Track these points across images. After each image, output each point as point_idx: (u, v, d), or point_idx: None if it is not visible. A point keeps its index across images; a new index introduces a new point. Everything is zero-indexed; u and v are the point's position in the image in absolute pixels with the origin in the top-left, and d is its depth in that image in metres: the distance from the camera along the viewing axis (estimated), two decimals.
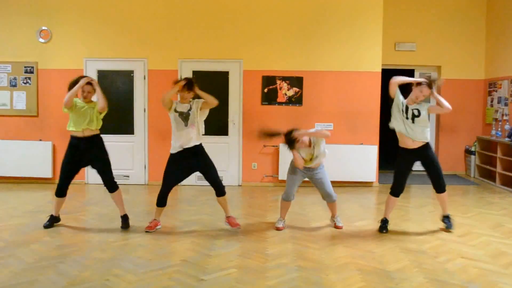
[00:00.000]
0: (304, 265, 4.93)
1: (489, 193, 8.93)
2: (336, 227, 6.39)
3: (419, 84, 6.00)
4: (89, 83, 6.19)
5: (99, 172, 6.27)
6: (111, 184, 6.28)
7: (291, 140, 5.99)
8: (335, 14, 9.28)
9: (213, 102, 6.01)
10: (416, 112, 5.95)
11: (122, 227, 6.24)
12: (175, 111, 6.03)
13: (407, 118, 5.96)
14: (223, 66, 9.36)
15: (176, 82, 6.08)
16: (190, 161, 6.05)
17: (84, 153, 6.14)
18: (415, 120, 5.94)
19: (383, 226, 6.23)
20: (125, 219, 6.31)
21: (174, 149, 6.05)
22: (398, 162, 6.23)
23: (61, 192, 6.22)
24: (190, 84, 6.01)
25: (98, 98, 6.14)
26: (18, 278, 4.49)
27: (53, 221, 6.29)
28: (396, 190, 6.26)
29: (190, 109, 6.02)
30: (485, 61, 10.94)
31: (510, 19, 9.99)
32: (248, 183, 9.43)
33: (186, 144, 5.97)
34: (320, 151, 6.07)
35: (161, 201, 6.11)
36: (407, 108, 5.98)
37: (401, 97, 6.09)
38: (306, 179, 6.36)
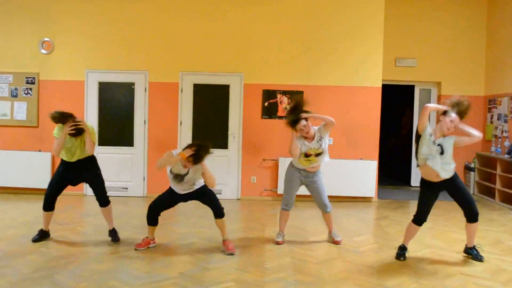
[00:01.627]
0: (302, 280, 4.90)
1: (488, 210, 8.90)
2: (335, 242, 6.32)
3: (446, 111, 5.42)
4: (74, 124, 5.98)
5: (92, 187, 6.22)
6: (103, 199, 6.21)
7: (296, 111, 5.96)
8: (336, 29, 9.32)
9: (213, 184, 5.80)
10: (439, 149, 5.36)
11: (112, 240, 6.16)
12: (171, 171, 5.77)
13: (441, 153, 5.36)
14: (223, 80, 9.38)
15: (184, 148, 5.61)
16: (188, 195, 5.91)
17: (77, 174, 6.11)
18: (443, 157, 5.38)
19: (402, 253, 5.71)
20: (114, 232, 6.24)
21: (174, 188, 5.91)
22: (422, 192, 5.65)
23: (50, 206, 6.14)
24: (198, 157, 5.52)
25: (86, 144, 5.95)
26: None
27: (43, 235, 6.17)
28: (420, 219, 5.69)
29: (187, 174, 5.71)
30: (484, 78, 10.96)
31: (510, 35, 10.03)
32: (247, 197, 9.41)
33: (185, 190, 5.85)
34: (324, 147, 6.02)
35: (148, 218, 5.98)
36: (434, 142, 5.39)
37: (430, 129, 5.44)
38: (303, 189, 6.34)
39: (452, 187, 5.53)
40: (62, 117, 5.92)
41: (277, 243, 6.22)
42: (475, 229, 5.69)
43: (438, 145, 5.36)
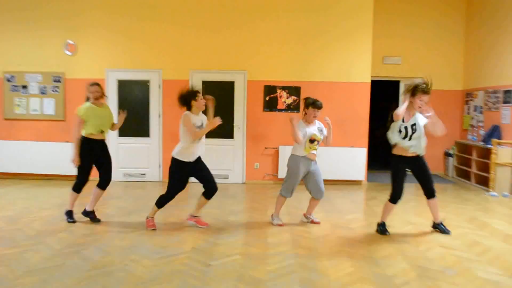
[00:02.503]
0: (300, 253, 4.98)
1: (465, 191, 8.96)
2: (314, 222, 6.27)
3: (413, 95, 5.58)
4: (96, 84, 6.02)
5: (104, 170, 6.14)
6: (107, 183, 6.20)
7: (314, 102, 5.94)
8: (329, 31, 9.33)
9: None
10: (414, 128, 5.53)
11: (92, 220, 6.17)
12: (196, 126, 5.62)
13: (405, 137, 5.57)
14: (229, 77, 9.41)
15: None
16: (193, 170, 5.76)
17: (99, 154, 6.08)
18: (412, 137, 5.55)
19: (384, 229, 5.81)
20: (93, 213, 6.22)
21: (186, 158, 5.64)
22: (394, 171, 5.78)
23: (81, 187, 6.12)
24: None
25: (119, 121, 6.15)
26: (48, 262, 4.56)
27: (72, 214, 6.19)
28: (395, 198, 5.78)
29: (202, 124, 5.71)
30: (463, 74, 10.97)
31: (486, 35, 10.04)
32: (251, 181, 9.48)
33: (197, 155, 5.75)
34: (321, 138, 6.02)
35: (164, 204, 5.89)
36: (406, 128, 5.56)
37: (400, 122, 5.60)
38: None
39: (419, 166, 5.68)
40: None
41: (280, 225, 6.12)
42: (435, 204, 5.82)
43: (413, 124, 5.53)
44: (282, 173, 9.21)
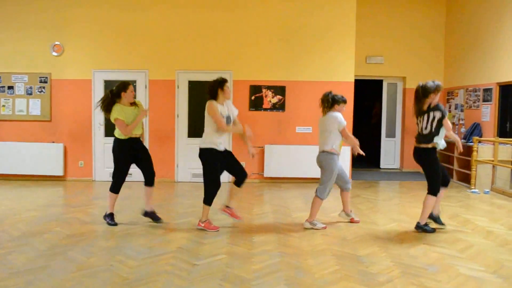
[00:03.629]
0: (285, 251, 4.93)
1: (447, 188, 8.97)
2: (354, 221, 6.14)
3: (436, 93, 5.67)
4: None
5: (144, 167, 5.98)
6: (153, 177, 6.02)
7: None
8: (313, 31, 9.29)
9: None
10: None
11: (155, 220, 6.03)
12: (223, 117, 5.60)
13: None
14: (215, 76, 9.16)
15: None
16: (224, 153, 5.75)
17: (137, 152, 5.91)
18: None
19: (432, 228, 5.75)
20: (153, 213, 6.06)
21: (216, 146, 5.60)
22: (437, 163, 5.77)
23: (119, 188, 5.96)
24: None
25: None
26: (33, 263, 4.45)
27: (113, 217, 5.99)
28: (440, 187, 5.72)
29: (228, 113, 5.71)
30: (444, 72, 11.02)
31: (465, 36, 10.08)
32: None
33: (225, 140, 5.75)
34: None
35: (212, 199, 5.71)
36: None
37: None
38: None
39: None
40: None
41: (324, 228, 5.84)
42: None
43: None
44: (268, 171, 9.18)
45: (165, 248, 5.01)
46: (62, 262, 4.50)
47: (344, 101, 5.96)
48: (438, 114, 5.55)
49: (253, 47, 9.31)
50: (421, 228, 5.71)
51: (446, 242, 5.33)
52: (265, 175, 9.24)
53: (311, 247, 5.10)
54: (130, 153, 5.84)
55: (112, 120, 5.76)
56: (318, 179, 9.14)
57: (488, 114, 9.11)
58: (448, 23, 10.91)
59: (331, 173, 5.76)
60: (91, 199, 7.67)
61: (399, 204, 7.45)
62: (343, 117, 5.88)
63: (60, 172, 9.22)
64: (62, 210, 6.83)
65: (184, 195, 7.93)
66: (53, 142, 9.23)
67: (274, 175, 9.21)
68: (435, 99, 5.64)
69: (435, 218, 5.88)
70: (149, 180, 6.00)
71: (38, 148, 9.16)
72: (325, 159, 5.81)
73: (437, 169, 5.69)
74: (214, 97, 5.62)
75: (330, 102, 5.88)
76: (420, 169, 10.20)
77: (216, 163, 5.58)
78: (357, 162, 10.10)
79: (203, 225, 5.70)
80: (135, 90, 9.22)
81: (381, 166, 11.45)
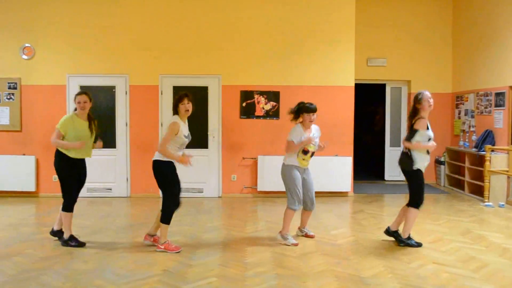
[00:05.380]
0: (282, 273, 4.90)
1: (458, 201, 9.01)
2: (308, 236, 6.32)
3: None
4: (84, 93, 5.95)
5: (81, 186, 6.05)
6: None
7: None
8: (310, 32, 9.34)
9: None
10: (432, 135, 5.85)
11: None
12: (184, 136, 5.66)
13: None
14: (202, 82, 9.34)
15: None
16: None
17: (80, 169, 5.97)
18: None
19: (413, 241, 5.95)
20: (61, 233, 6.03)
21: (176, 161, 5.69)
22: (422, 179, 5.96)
23: (72, 207, 5.90)
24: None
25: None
26: None
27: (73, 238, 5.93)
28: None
29: (188, 132, 5.76)
30: (452, 76, 11.10)
31: (475, 36, 10.16)
32: (228, 195, 9.37)
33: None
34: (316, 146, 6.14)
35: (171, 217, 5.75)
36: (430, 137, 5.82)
37: (428, 132, 5.79)
38: None
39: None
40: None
41: (294, 245, 5.94)
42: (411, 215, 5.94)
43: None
44: (262, 185, 9.16)
45: (149, 271, 4.96)
46: None
47: (312, 110, 6.09)
48: None
49: (244, 49, 9.33)
50: (403, 242, 5.89)
51: (458, 261, 5.33)
52: (258, 189, 9.22)
53: (310, 268, 5.08)
54: (73, 170, 5.89)
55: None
56: (316, 192, 9.14)
57: (501, 120, 9.17)
58: (456, 21, 11.00)
59: (289, 183, 6.01)
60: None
61: None
62: (312, 127, 6.25)
63: (32, 188, 9.14)
64: (34, 229, 6.75)
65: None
66: (24, 154, 9.16)
67: (268, 189, 9.20)
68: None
69: (389, 232, 6.10)
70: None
71: (7, 161, 9.09)
72: (282, 170, 6.14)
73: (421, 185, 5.98)
74: (177, 112, 5.70)
75: (294, 111, 6.17)
76: (429, 181, 10.27)
77: (175, 176, 5.70)
78: (360, 174, 10.12)
79: (162, 247, 5.66)
80: (114, 97, 9.25)
81: (386, 178, 11.48)
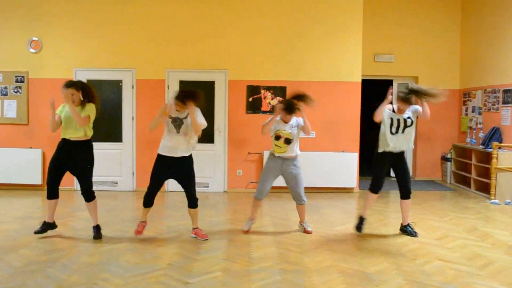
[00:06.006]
0: (287, 268, 4.91)
1: (464, 198, 8.98)
2: (306, 231, 6.35)
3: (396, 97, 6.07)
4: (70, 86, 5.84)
5: (78, 179, 5.95)
6: (88, 194, 5.96)
7: (294, 104, 6.04)
8: (318, 27, 9.32)
9: (198, 128, 5.72)
10: (409, 122, 6.00)
11: (94, 237, 5.93)
12: (169, 117, 5.74)
13: (397, 132, 6.02)
14: (209, 76, 9.34)
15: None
16: (173, 168, 5.82)
17: (68, 156, 5.82)
18: (405, 131, 6.01)
19: (360, 226, 6.37)
20: (97, 229, 6.03)
21: (162, 150, 5.84)
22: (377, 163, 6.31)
23: (49, 192, 5.90)
24: (182, 98, 5.66)
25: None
26: (7, 282, 4.42)
27: (46, 227, 5.98)
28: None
29: (186, 117, 5.73)
30: (460, 72, 11.05)
31: (483, 32, 10.11)
32: (233, 189, 9.39)
33: (172, 152, 5.75)
34: (295, 134, 6.12)
35: (148, 202, 5.92)
36: (398, 120, 6.00)
37: (387, 113, 6.06)
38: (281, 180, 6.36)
39: (400, 162, 6.22)
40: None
41: (245, 232, 6.30)
42: (408, 206, 6.26)
43: (408, 117, 6.08)
44: None
45: (155, 264, 4.98)
46: (40, 281, 4.47)
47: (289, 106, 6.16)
48: None
49: (250, 44, 9.32)
50: (405, 231, 6.28)
51: (463, 258, 5.33)
52: None
53: (315, 264, 5.08)
54: (57, 155, 5.87)
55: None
56: (322, 188, 9.20)
57: (509, 117, 9.12)
58: (464, 18, 10.94)
59: (261, 173, 6.40)
60: (72, 211, 7.63)
61: (412, 216, 7.40)
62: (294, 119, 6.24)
63: (38, 181, 9.19)
64: (40, 222, 6.79)
65: (176, 206, 7.90)
66: (31, 147, 9.20)
67: (273, 184, 9.16)
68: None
69: (362, 220, 6.37)
70: (84, 196, 5.99)
71: (14, 154, 9.15)
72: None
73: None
74: None
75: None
76: (435, 178, 10.26)
77: (157, 168, 5.88)
78: (365, 170, 10.08)
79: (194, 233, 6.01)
80: (120, 91, 9.26)
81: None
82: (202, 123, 5.75)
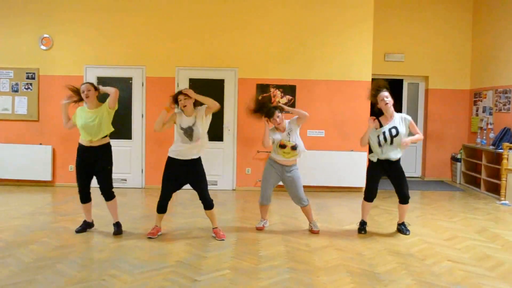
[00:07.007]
0: (295, 267, 4.91)
1: (474, 199, 8.94)
2: (312, 231, 6.32)
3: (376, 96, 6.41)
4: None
5: (98, 179, 6.05)
6: (108, 193, 6.09)
7: (265, 105, 6.25)
8: (328, 26, 9.29)
9: (215, 105, 5.74)
10: (394, 132, 6.05)
11: (114, 233, 6.00)
12: (181, 128, 5.71)
13: (384, 142, 6.10)
14: (219, 74, 9.34)
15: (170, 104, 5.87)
16: (184, 170, 5.77)
17: (91, 157, 5.94)
18: (393, 141, 6.04)
19: (362, 228, 6.41)
20: (118, 226, 6.11)
21: (173, 153, 5.80)
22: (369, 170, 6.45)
23: (81, 198, 6.06)
24: (175, 99, 5.81)
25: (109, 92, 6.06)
26: (17, 277, 4.45)
27: (86, 226, 6.15)
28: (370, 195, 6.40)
29: (194, 124, 5.72)
30: (470, 72, 10.98)
31: (495, 32, 10.05)
32: (242, 188, 9.40)
33: (185, 156, 5.74)
34: (297, 140, 6.13)
35: (161, 208, 5.88)
36: (384, 133, 6.09)
37: (372, 132, 6.23)
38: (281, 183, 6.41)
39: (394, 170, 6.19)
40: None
41: (258, 228, 6.41)
42: (404, 209, 6.32)
43: (393, 127, 6.18)
44: None
45: (163, 261, 5.00)
46: (49, 276, 4.50)
47: (266, 115, 6.34)
48: None
49: (261, 43, 9.31)
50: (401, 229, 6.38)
51: (473, 259, 5.30)
52: None
53: (324, 263, 5.08)
54: (80, 160, 5.99)
55: None
56: (331, 187, 9.18)
57: None
58: (475, 17, 10.87)
59: (262, 178, 6.42)
60: (82, 207, 7.65)
61: (421, 216, 7.41)
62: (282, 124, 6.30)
63: (48, 177, 9.25)
64: (50, 218, 6.83)
65: (185, 204, 7.92)
66: (41, 144, 9.26)
67: (282, 183, 9.17)
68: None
69: (362, 223, 6.45)
70: (104, 195, 6.14)
71: (24, 150, 9.19)
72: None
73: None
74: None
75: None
76: (445, 178, 10.23)
77: (168, 172, 5.83)
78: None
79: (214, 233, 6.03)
80: (130, 89, 9.29)
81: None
82: (212, 102, 5.76)
